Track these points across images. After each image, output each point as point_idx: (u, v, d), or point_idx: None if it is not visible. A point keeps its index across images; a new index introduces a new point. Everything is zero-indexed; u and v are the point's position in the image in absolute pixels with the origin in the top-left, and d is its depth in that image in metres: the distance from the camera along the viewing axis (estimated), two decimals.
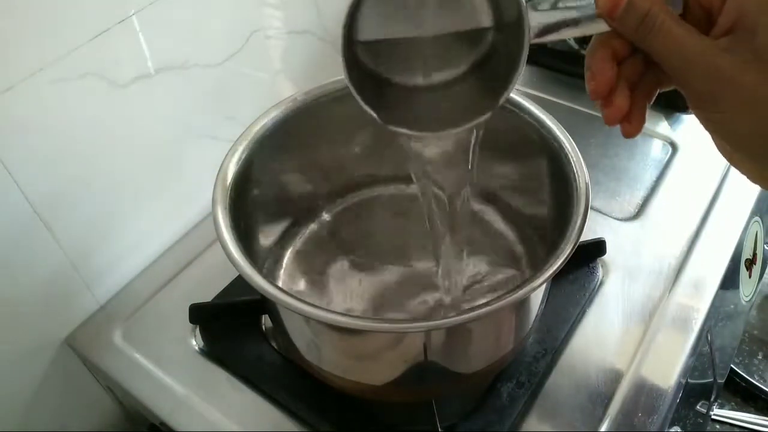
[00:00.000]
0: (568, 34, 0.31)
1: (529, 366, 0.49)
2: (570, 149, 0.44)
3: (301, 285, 0.53)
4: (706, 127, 0.30)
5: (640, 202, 0.63)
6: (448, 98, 0.37)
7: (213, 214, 0.42)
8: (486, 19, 0.35)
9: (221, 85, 0.60)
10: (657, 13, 0.28)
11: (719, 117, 0.28)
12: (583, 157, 0.44)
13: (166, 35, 0.52)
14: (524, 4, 0.32)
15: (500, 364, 0.46)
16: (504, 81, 0.34)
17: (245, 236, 0.45)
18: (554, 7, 0.32)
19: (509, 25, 0.33)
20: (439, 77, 0.37)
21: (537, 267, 0.39)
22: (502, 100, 0.34)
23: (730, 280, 0.61)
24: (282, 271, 0.54)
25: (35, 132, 0.46)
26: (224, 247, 0.40)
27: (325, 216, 0.57)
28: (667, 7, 0.28)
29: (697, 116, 0.30)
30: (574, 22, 0.31)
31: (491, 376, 0.48)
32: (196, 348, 0.53)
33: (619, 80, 0.31)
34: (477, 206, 0.57)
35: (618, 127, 0.32)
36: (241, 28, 0.60)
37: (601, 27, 0.30)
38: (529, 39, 0.31)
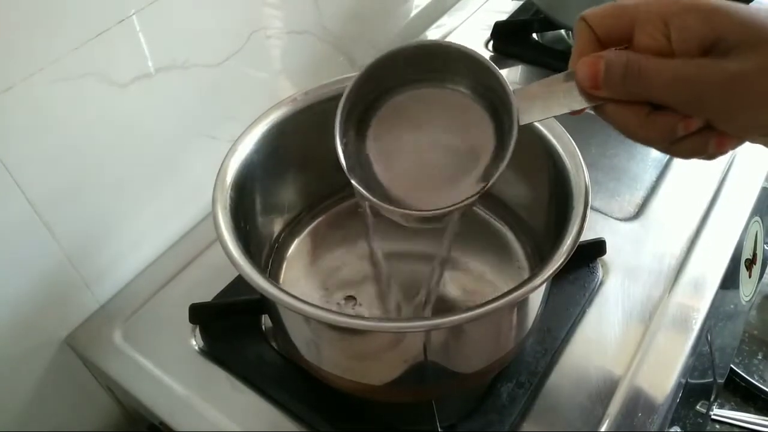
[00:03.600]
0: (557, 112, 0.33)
1: (529, 366, 0.49)
2: (570, 149, 0.44)
3: (302, 284, 0.53)
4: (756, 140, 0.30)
5: (640, 202, 0.63)
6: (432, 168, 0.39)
7: (213, 214, 0.42)
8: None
9: (221, 85, 0.60)
10: (635, 59, 0.29)
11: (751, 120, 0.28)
12: (583, 157, 0.44)
13: (166, 35, 0.52)
14: (515, 106, 0.34)
15: (500, 364, 0.46)
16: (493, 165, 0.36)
17: (245, 236, 0.45)
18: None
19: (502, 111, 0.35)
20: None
21: (537, 267, 0.39)
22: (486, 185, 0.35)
23: (730, 280, 0.61)
24: (282, 271, 0.54)
25: (35, 132, 0.46)
26: (224, 247, 0.40)
27: (325, 215, 0.57)
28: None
29: (744, 136, 0.30)
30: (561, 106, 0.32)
31: (491, 376, 0.48)
32: (196, 348, 0.53)
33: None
34: (476, 206, 0.57)
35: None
36: (241, 28, 0.60)
37: (583, 103, 0.31)
38: (517, 132, 0.34)
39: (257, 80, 0.64)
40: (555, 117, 0.38)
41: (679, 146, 0.30)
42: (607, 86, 0.30)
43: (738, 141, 0.30)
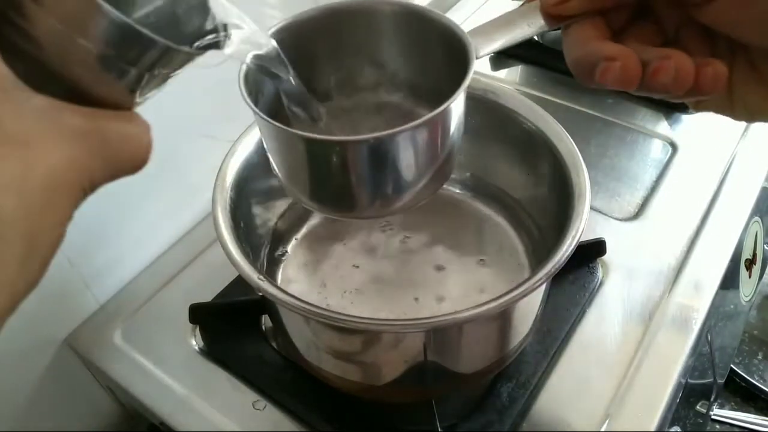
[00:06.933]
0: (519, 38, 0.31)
1: (529, 366, 0.49)
2: (570, 149, 0.44)
3: (302, 284, 0.53)
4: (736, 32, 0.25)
5: (640, 202, 0.63)
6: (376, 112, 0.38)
7: (213, 214, 0.42)
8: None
9: (221, 85, 0.60)
10: None
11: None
12: (583, 157, 0.44)
13: None
14: (470, 43, 0.32)
15: (500, 363, 0.46)
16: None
17: (245, 236, 0.45)
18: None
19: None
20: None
21: (537, 267, 0.39)
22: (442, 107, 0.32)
23: (730, 280, 0.61)
24: (282, 271, 0.54)
25: None
26: (224, 247, 0.40)
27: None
28: None
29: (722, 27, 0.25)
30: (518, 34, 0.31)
31: (491, 376, 0.48)
32: (196, 348, 0.53)
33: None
34: (476, 205, 0.57)
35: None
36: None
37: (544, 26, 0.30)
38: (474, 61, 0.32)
39: None
40: (546, 111, 0.37)
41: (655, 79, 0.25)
42: None
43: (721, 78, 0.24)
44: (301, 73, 0.33)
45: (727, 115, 0.27)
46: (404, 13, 0.37)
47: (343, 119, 0.38)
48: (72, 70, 0.20)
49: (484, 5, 0.90)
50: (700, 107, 0.28)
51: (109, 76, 0.21)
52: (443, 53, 0.34)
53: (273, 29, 0.35)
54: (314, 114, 0.35)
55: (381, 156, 0.32)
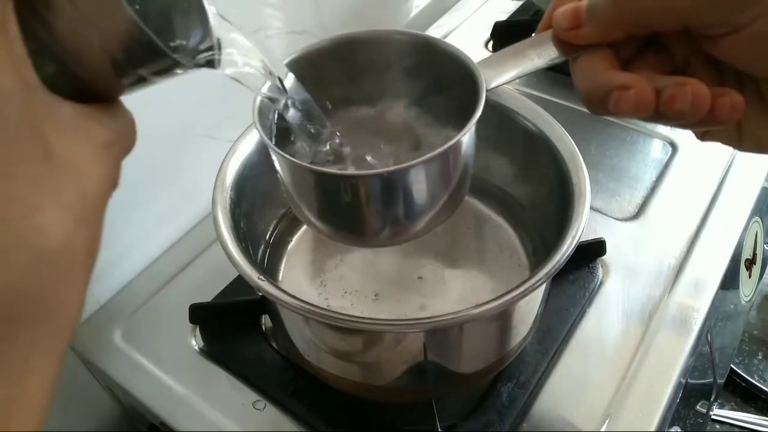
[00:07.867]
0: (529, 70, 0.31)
1: (529, 366, 0.49)
2: (570, 149, 0.45)
3: (302, 284, 0.53)
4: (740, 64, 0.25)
5: (640, 202, 0.63)
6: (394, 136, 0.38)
7: (213, 215, 0.42)
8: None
9: (221, 85, 0.59)
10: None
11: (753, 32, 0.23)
12: (583, 157, 0.44)
13: None
14: (480, 75, 0.32)
15: (500, 363, 0.46)
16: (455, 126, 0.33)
17: (245, 236, 0.45)
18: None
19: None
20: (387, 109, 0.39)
21: (537, 267, 0.39)
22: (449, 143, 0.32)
23: (730, 280, 0.61)
24: (282, 271, 0.54)
25: None
26: (224, 247, 0.40)
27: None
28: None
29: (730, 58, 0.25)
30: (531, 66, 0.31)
31: (491, 376, 0.48)
32: (196, 348, 0.53)
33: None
34: (476, 205, 0.57)
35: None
36: (241, 28, 0.60)
37: (557, 57, 0.30)
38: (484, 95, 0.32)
39: None
40: (546, 111, 0.37)
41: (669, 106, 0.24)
42: (593, 16, 0.26)
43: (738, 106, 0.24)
44: (314, 101, 0.34)
45: (733, 146, 0.27)
46: (416, 44, 0.37)
47: (358, 147, 0.38)
48: (81, 65, 0.20)
49: (484, 5, 0.90)
50: (706, 137, 0.28)
51: (113, 74, 0.21)
52: (455, 82, 0.35)
53: (285, 61, 0.35)
54: (327, 140, 0.35)
55: (393, 189, 0.32)
